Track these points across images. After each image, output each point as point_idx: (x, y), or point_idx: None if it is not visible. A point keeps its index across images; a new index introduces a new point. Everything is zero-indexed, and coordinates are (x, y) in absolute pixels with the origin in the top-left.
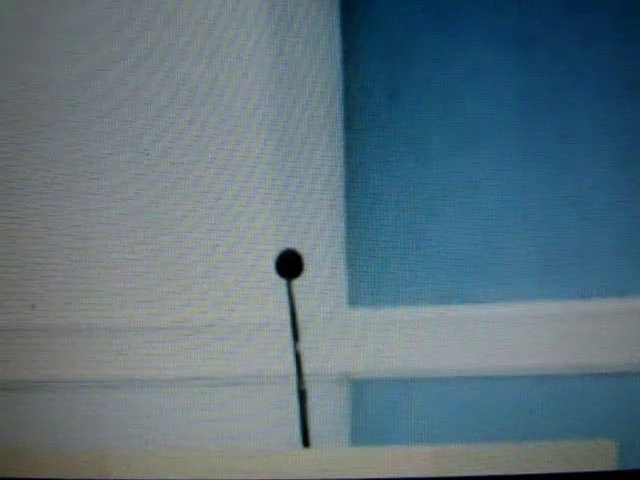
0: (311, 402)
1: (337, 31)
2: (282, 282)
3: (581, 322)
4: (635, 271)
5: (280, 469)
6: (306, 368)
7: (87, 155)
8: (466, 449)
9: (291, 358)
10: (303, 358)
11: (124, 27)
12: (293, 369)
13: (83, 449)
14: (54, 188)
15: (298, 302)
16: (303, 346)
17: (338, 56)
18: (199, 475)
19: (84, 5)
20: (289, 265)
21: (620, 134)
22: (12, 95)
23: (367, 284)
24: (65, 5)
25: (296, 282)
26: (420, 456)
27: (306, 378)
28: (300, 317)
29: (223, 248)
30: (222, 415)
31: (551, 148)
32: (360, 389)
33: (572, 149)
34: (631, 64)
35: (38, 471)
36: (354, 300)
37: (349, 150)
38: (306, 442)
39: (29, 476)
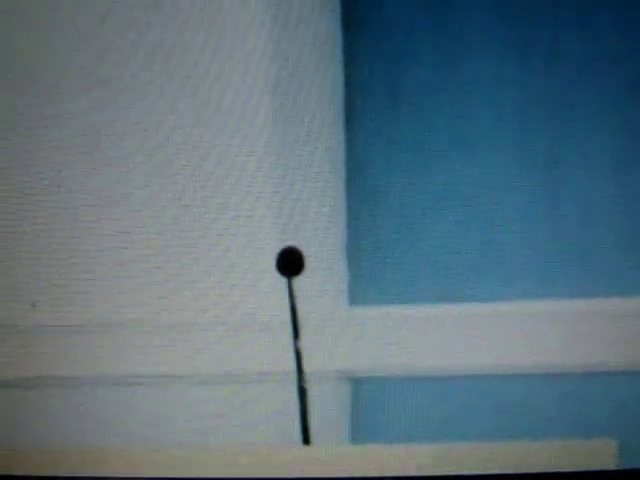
0: (311, 400)
1: (338, 32)
2: (283, 280)
3: (583, 321)
4: (637, 270)
5: (280, 466)
6: (306, 366)
7: (87, 154)
8: (467, 448)
9: (291, 356)
10: (303, 356)
11: (124, 23)
12: (293, 367)
13: (83, 447)
14: (55, 187)
15: (299, 300)
16: (303, 344)
17: (339, 57)
18: (198, 472)
19: (86, 6)
20: (290, 263)
21: (620, 134)
22: (13, 96)
23: (368, 282)
24: (69, 6)
25: (297, 280)
26: (421, 454)
27: (306, 376)
28: (301, 315)
29: (223, 246)
30: (222, 412)
31: (552, 148)
32: (361, 387)
33: (573, 149)
34: (631, 64)
35: (38, 469)
36: (355, 298)
37: (350, 149)
38: (306, 440)
39: (29, 474)
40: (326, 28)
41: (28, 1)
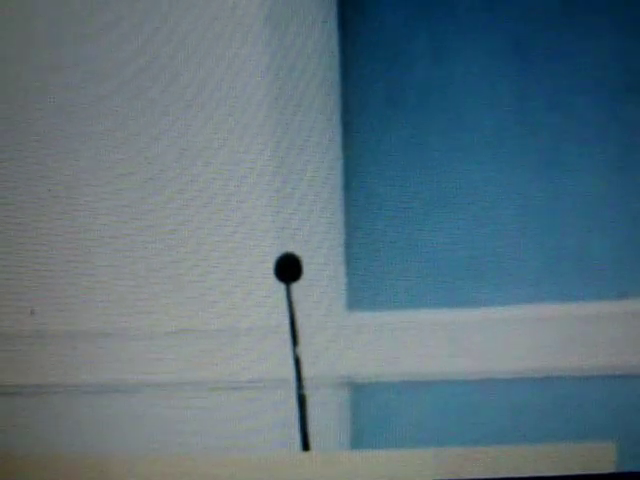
0: (311, 406)
1: (335, 34)
2: (281, 286)
3: (580, 324)
4: (633, 273)
5: (280, 473)
6: (305, 372)
7: (85, 159)
8: (466, 452)
9: (290, 362)
10: (302, 362)
11: (119, 26)
12: (292, 373)
13: (83, 454)
14: (53, 194)
15: (297, 306)
16: (302, 350)
17: (336, 59)
18: (198, 479)
19: (84, 10)
20: (288, 269)
21: (619, 136)
22: (12, 100)
23: (366, 288)
24: (66, 11)
25: (295, 286)
26: (420, 459)
27: (305, 382)
28: (299, 321)
29: (222, 252)
30: (222, 419)
31: (550, 150)
32: (360, 393)
33: (571, 151)
34: (630, 64)
35: (38, 476)
36: (353, 304)
37: (348, 154)
38: (306, 446)
39: None
40: (323, 30)
41: (35, 7)
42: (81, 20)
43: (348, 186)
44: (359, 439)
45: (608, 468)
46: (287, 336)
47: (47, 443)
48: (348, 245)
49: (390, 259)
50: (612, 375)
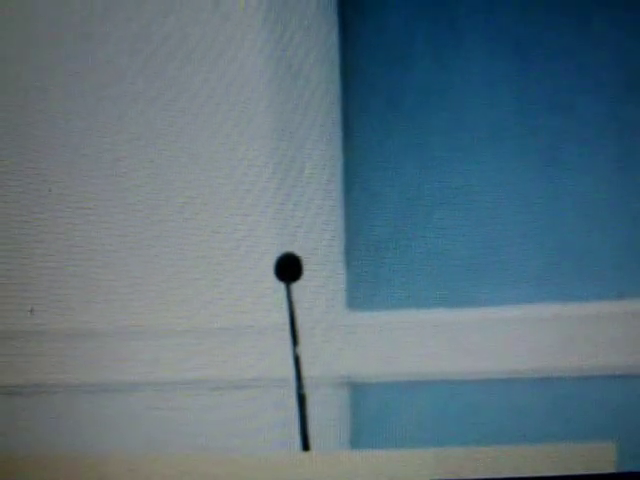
0: (311, 406)
1: (336, 36)
2: (281, 286)
3: (580, 325)
4: (633, 273)
5: (280, 473)
6: (305, 372)
7: (86, 158)
8: (466, 452)
9: (290, 362)
10: (302, 362)
11: (122, 30)
12: (292, 373)
13: (83, 454)
14: (53, 192)
15: (297, 306)
16: (302, 350)
17: (337, 61)
18: (198, 478)
19: (85, 12)
20: (288, 269)
21: (620, 135)
22: (12, 101)
23: (366, 287)
24: (67, 13)
25: (295, 286)
26: (420, 459)
27: (305, 382)
28: (299, 321)
29: (223, 252)
30: (222, 418)
31: (550, 151)
32: (360, 392)
33: (572, 151)
34: (630, 64)
35: (38, 476)
36: (353, 303)
37: (348, 154)
38: (306, 446)
39: None
40: (324, 33)
41: (35, 7)
42: (81, 20)
43: (348, 186)
44: (359, 439)
45: (608, 468)
46: (287, 335)
47: (47, 443)
48: (348, 245)
49: (390, 259)
50: (612, 375)
